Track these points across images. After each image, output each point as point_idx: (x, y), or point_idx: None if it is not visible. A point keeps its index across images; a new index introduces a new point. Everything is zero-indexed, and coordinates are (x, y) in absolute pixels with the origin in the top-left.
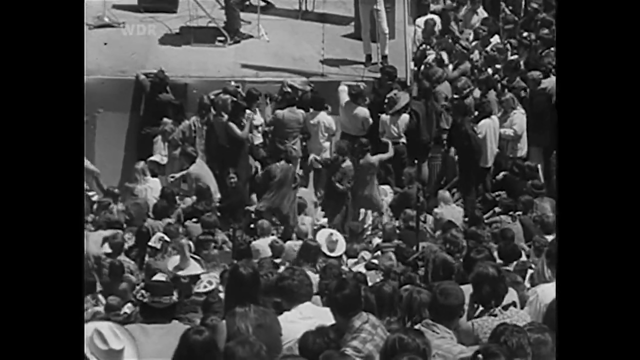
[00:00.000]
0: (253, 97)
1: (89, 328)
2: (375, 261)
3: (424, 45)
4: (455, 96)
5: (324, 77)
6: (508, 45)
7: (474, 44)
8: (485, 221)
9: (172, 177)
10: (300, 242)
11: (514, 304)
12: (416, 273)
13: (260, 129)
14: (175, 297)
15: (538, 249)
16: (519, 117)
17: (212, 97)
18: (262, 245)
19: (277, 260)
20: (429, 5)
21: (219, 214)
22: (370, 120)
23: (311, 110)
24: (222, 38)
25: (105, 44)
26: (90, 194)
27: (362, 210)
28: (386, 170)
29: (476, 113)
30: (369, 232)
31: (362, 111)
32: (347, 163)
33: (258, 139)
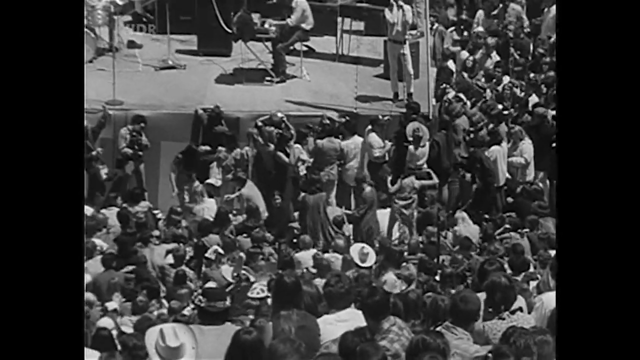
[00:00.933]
0: (303, 134)
1: (155, 330)
2: (401, 272)
3: (444, 85)
4: (471, 128)
5: (357, 111)
6: (517, 90)
7: (483, 83)
8: (497, 237)
9: (228, 197)
10: (336, 255)
11: (520, 309)
12: (437, 281)
13: (305, 164)
14: (228, 302)
15: (543, 262)
16: (527, 147)
17: (260, 123)
18: (304, 257)
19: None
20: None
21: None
22: (376, 149)
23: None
24: (269, 78)
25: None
26: (155, 211)
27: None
28: None
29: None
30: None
31: (371, 137)
32: (367, 189)
33: (302, 171)
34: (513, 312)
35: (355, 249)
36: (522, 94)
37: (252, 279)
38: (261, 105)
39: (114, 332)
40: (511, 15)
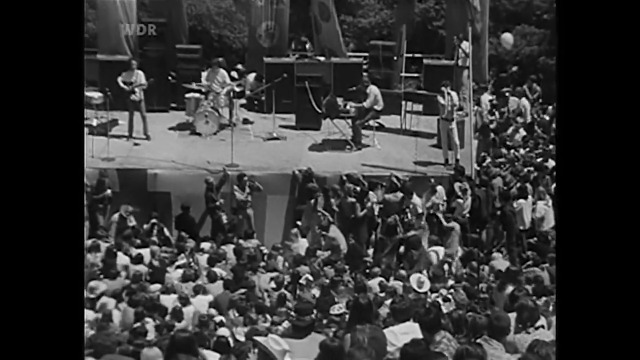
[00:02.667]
0: (374, 184)
1: (261, 339)
2: (450, 296)
3: (483, 153)
4: (504, 187)
5: (417, 173)
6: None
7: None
8: (523, 270)
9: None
10: (399, 282)
11: (542, 326)
12: (476, 303)
13: (378, 205)
14: (313, 316)
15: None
16: (540, 207)
17: (345, 178)
18: (373, 284)
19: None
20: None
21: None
22: (417, 201)
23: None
24: (349, 147)
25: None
26: (262, 247)
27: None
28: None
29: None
30: (446, 276)
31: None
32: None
33: (376, 210)
34: (537, 328)
35: (414, 278)
36: (540, 159)
37: None
38: (342, 168)
39: (230, 340)
40: (513, 105)
